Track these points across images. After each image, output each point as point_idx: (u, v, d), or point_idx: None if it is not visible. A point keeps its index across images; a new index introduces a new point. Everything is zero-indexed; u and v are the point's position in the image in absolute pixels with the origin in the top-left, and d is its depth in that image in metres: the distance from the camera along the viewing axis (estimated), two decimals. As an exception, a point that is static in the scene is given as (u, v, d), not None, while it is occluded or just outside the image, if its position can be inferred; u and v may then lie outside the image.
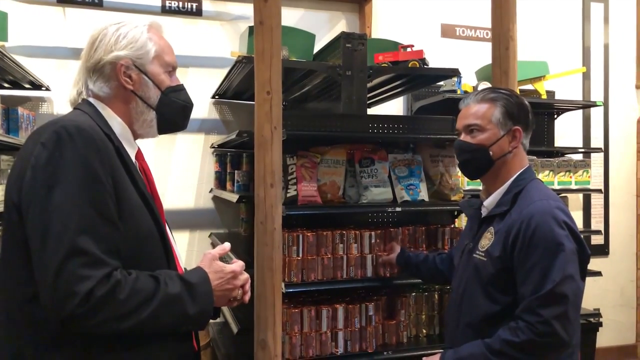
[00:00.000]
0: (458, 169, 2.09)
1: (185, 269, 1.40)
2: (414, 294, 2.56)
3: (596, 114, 4.50)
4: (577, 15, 4.48)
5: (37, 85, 3.13)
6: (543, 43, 4.26)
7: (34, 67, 3.09)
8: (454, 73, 2.78)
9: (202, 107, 3.60)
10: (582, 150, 4.14)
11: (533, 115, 1.79)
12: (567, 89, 4.30)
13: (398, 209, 2.49)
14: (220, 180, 3.44)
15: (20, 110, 2.84)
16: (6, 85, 3.12)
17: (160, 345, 1.26)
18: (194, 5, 3.57)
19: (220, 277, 1.31)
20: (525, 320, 1.54)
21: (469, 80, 3.69)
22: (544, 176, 3.67)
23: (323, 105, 3.28)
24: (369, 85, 2.72)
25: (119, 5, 3.36)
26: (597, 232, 4.16)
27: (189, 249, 3.57)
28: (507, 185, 1.73)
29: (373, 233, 2.41)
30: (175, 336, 1.30)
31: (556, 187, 3.69)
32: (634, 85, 4.62)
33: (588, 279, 1.70)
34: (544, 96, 3.76)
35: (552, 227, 1.56)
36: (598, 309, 3.76)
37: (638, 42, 4.62)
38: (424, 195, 2.58)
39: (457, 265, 1.88)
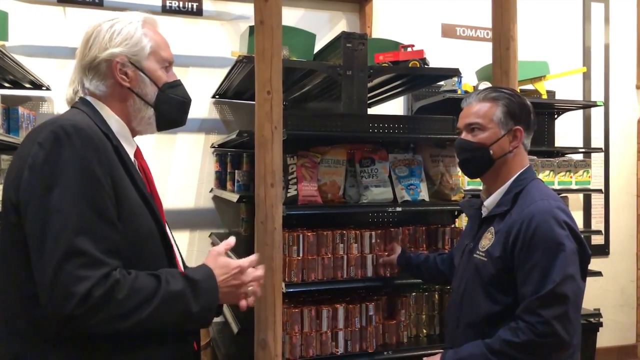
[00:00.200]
0: (458, 169, 2.08)
1: (186, 266, 1.39)
2: (414, 293, 2.56)
3: (596, 114, 4.50)
4: (577, 15, 4.48)
5: (37, 85, 3.13)
6: (543, 43, 4.25)
7: (35, 66, 3.09)
8: (454, 73, 2.78)
9: (203, 107, 3.60)
10: (583, 150, 4.14)
11: (535, 116, 1.78)
12: (567, 89, 4.30)
13: (398, 209, 2.49)
14: (221, 180, 3.44)
15: (20, 109, 2.84)
16: (6, 84, 3.12)
17: (161, 344, 1.25)
18: (195, 4, 3.57)
19: (226, 272, 1.29)
20: (526, 320, 1.53)
21: (469, 80, 3.68)
22: (544, 176, 3.67)
23: (323, 105, 3.28)
24: (369, 85, 2.71)
25: (120, 4, 3.35)
26: (598, 232, 4.16)
27: (189, 249, 3.57)
28: (508, 185, 1.73)
29: (373, 233, 2.41)
30: (176, 336, 1.29)
31: (556, 187, 3.69)
32: (634, 85, 4.61)
33: (588, 279, 1.70)
34: (545, 96, 3.76)
35: (552, 227, 1.56)
36: (598, 309, 3.75)
37: (638, 42, 4.61)
38: (424, 195, 2.58)
39: (457, 266, 1.88)
